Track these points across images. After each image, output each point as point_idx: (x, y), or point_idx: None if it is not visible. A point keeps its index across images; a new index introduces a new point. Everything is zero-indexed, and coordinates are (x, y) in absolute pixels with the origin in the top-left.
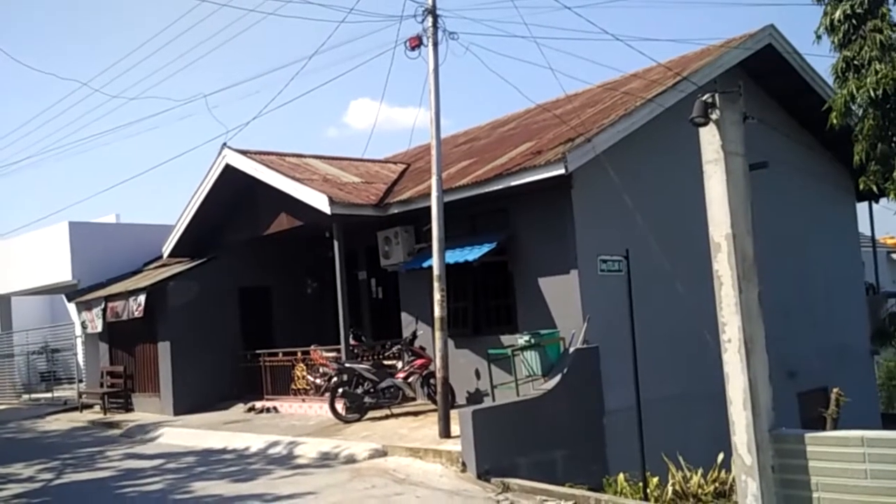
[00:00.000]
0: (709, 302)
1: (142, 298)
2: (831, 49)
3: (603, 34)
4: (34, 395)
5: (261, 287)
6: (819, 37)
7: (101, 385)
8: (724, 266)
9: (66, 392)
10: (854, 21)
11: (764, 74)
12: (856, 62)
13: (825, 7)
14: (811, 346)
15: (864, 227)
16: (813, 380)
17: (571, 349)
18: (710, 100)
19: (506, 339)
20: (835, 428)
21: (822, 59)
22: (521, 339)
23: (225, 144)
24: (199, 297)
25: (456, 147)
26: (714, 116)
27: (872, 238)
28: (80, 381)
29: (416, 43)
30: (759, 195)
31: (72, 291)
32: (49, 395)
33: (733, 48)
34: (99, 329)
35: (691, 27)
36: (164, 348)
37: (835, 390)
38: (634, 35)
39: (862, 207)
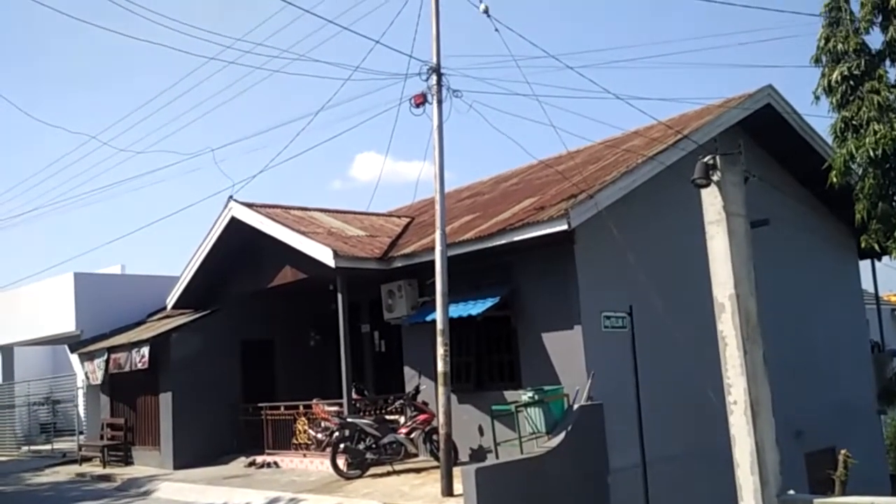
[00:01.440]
0: (713, 359)
1: (145, 350)
2: (830, 109)
3: (604, 93)
4: (34, 447)
5: (263, 339)
6: (817, 97)
7: (102, 437)
8: (728, 327)
9: (66, 444)
10: (851, 82)
11: (763, 133)
12: (854, 122)
13: (822, 69)
14: (817, 405)
15: (867, 285)
16: (820, 440)
17: (576, 406)
18: (711, 161)
19: (509, 394)
20: (843, 491)
21: (820, 119)
22: (525, 396)
23: (231, 197)
24: (201, 349)
25: (459, 202)
26: (715, 178)
27: (876, 296)
28: (81, 432)
29: (420, 100)
30: (760, 253)
31: (75, 342)
32: (49, 446)
33: (732, 108)
34: (100, 380)
35: (690, 87)
36: (165, 400)
37: (842, 452)
38: (635, 94)
39: (865, 265)
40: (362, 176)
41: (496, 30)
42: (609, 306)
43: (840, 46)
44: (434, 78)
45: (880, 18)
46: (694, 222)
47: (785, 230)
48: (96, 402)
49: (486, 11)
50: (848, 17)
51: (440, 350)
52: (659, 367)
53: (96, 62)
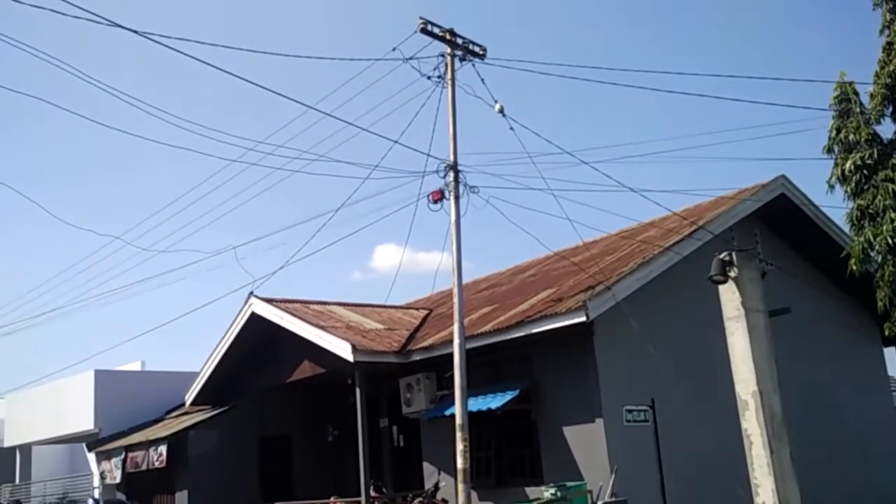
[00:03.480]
0: (741, 453)
1: (163, 448)
2: (845, 198)
3: (619, 186)
4: None
5: (281, 435)
6: (832, 186)
7: None
8: (752, 425)
9: None
10: (865, 171)
11: (779, 222)
12: (870, 211)
13: (835, 158)
14: (852, 500)
15: (893, 371)
16: None
17: (599, 503)
18: (727, 258)
19: (531, 491)
20: None
21: (836, 208)
22: (547, 492)
23: (252, 293)
24: (219, 446)
25: (478, 293)
26: (732, 274)
27: None
28: None
29: (438, 197)
30: (783, 343)
31: (92, 441)
32: None
33: (746, 199)
34: (118, 479)
35: (703, 179)
36: (181, 500)
37: None
38: (648, 186)
39: (890, 352)
40: (382, 267)
41: (511, 128)
42: (630, 399)
43: (852, 137)
44: (451, 175)
45: (891, 109)
46: (713, 311)
47: (806, 319)
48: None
49: (501, 111)
50: (858, 109)
51: (459, 445)
52: (684, 461)
53: (121, 163)
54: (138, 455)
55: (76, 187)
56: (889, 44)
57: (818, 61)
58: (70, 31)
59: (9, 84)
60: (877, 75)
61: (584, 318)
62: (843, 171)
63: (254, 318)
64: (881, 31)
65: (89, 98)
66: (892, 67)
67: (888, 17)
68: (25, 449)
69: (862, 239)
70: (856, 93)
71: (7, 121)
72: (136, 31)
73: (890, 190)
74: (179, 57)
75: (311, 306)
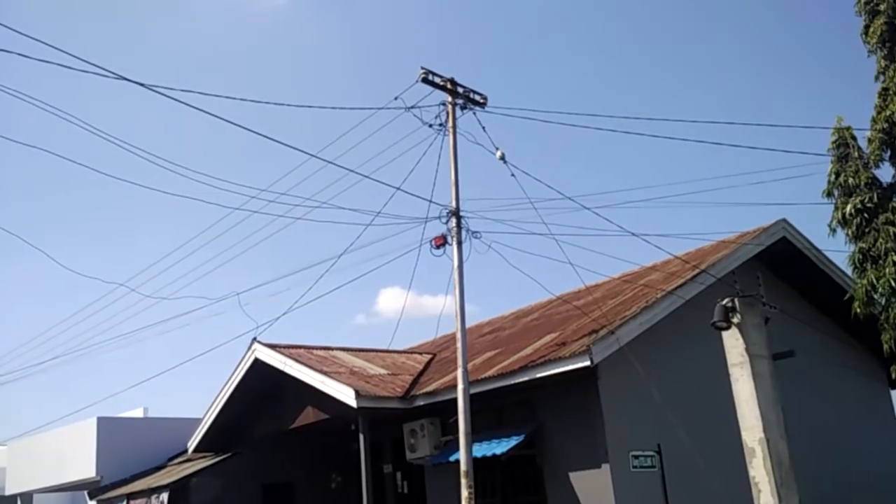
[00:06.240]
0: (748, 497)
1: (164, 497)
2: (846, 241)
3: (620, 230)
4: None
5: (284, 483)
6: (833, 230)
7: None
8: (760, 472)
9: None
10: (866, 215)
11: (782, 265)
12: (872, 253)
13: (835, 202)
14: None
15: None
16: None
17: None
18: (729, 304)
19: None
20: None
21: (838, 249)
22: None
23: (255, 339)
24: (221, 494)
25: (481, 337)
26: (735, 320)
27: None
28: None
29: (441, 242)
30: (789, 387)
31: (94, 488)
32: None
33: (747, 243)
34: None
35: (704, 223)
36: None
37: None
38: (649, 231)
39: None
40: (386, 310)
41: (512, 175)
42: (636, 443)
43: (851, 180)
44: (454, 221)
45: (889, 153)
46: (717, 354)
47: (811, 361)
48: None
49: (502, 158)
50: (856, 153)
51: (465, 492)
52: None
53: (123, 213)
54: (140, 503)
55: (79, 236)
56: (885, 89)
57: (814, 107)
58: (70, 82)
59: (6, 134)
60: (873, 120)
61: (588, 363)
62: (843, 214)
63: (257, 364)
64: (876, 78)
65: (87, 147)
66: (888, 112)
67: (883, 63)
68: (27, 497)
69: (865, 282)
70: (853, 137)
71: (13, 171)
72: (142, 84)
73: (891, 233)
74: (182, 107)
75: (315, 352)
